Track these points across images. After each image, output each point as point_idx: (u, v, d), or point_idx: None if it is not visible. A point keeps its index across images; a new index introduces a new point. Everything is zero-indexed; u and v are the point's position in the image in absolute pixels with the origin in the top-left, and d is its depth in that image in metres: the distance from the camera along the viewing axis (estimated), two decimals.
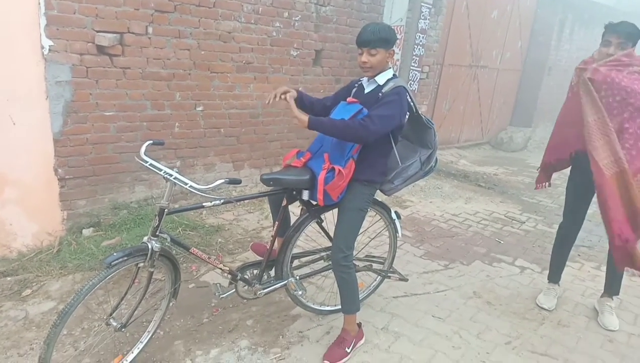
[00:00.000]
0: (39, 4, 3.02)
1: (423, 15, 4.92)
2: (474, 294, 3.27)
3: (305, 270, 2.85)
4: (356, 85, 2.52)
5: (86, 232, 3.53)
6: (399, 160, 2.46)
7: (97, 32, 3.30)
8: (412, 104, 2.38)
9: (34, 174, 3.34)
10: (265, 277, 2.61)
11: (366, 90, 2.41)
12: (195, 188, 2.03)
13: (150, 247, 2.09)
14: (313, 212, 2.54)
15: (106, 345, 2.42)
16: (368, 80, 2.41)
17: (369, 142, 2.27)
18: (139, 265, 2.14)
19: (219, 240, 3.68)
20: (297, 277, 2.64)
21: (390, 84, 2.30)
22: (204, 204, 2.24)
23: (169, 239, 2.20)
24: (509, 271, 3.70)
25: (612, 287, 3.07)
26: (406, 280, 3.00)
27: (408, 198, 5.15)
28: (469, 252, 3.99)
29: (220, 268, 2.45)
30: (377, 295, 3.07)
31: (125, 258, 2.03)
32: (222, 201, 2.29)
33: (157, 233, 2.12)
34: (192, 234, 3.65)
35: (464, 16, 7.03)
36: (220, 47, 4.04)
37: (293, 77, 4.70)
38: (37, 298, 2.84)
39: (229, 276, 2.50)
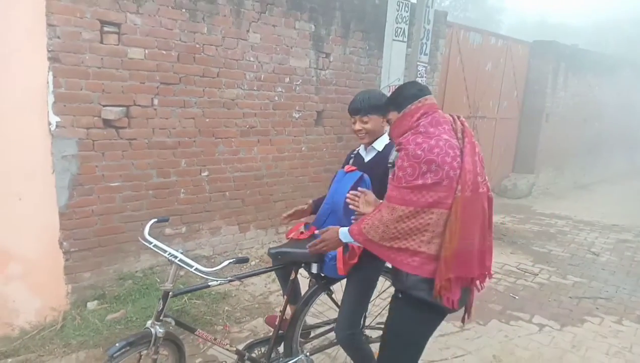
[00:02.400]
0: (48, 82, 3.12)
1: (419, 74, 5.05)
2: (494, 358, 3.13)
3: (318, 342, 2.73)
4: (352, 155, 2.50)
5: (90, 305, 3.45)
6: None
7: (104, 106, 3.38)
8: None
9: (38, 248, 3.31)
10: (274, 355, 2.47)
11: (366, 159, 2.38)
12: (201, 272, 1.96)
13: (154, 332, 2.01)
14: (322, 285, 2.47)
15: None
16: (366, 149, 2.39)
17: None
18: (142, 353, 2.03)
19: (226, 308, 3.59)
20: (307, 354, 2.51)
21: (394, 152, 2.26)
22: (209, 284, 2.15)
23: (173, 323, 2.12)
24: (528, 330, 3.56)
25: None
26: None
27: None
28: (485, 309, 3.87)
29: (227, 349, 2.32)
30: None
31: (128, 348, 1.95)
32: (228, 280, 2.22)
33: (161, 317, 2.04)
34: (199, 303, 3.55)
35: (459, 70, 7.23)
36: (224, 113, 4.12)
37: (296, 137, 4.76)
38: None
39: (236, 356, 2.38)
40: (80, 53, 3.19)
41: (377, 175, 2.25)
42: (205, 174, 4.10)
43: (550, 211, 7.75)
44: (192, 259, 2.07)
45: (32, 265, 3.28)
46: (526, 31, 14.54)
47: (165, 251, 2.10)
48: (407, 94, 1.89)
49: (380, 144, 2.33)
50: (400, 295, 1.89)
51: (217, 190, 4.22)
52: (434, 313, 1.87)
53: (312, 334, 2.71)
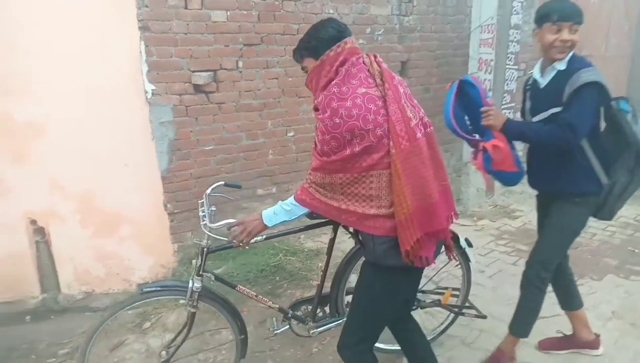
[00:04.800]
0: (140, 52, 3.25)
1: (515, 11, 4.57)
2: (613, 314, 2.85)
3: None
4: (528, 86, 2.22)
5: (195, 262, 3.67)
6: (602, 172, 2.06)
7: (193, 72, 3.46)
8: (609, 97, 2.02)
9: (146, 210, 3.56)
10: (321, 313, 2.39)
11: (543, 84, 2.09)
12: (205, 227, 2.04)
13: (190, 285, 2.06)
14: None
15: None
16: (542, 72, 2.10)
17: (574, 147, 1.96)
18: (180, 302, 2.11)
19: (319, 264, 3.63)
20: None
21: (584, 74, 1.91)
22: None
23: (213, 278, 2.15)
24: None
25: None
26: (484, 317, 2.52)
27: (517, 208, 4.74)
28: (598, 264, 3.52)
29: (269, 306, 2.29)
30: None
31: (160, 289, 2.08)
32: (263, 237, 2.16)
33: (200, 272, 2.08)
34: (293, 259, 3.63)
35: None
36: None
37: None
38: (156, 330, 2.97)
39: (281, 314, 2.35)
40: (167, 20, 3.28)
41: (555, 100, 1.97)
42: (291, 134, 4.10)
43: None
44: None
45: (141, 226, 3.54)
46: None
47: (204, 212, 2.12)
48: (324, 36, 1.61)
49: (563, 61, 2.01)
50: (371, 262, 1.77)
51: (303, 150, 4.22)
52: (409, 274, 1.76)
53: None
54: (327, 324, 2.35)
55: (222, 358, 2.67)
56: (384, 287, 1.74)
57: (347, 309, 2.29)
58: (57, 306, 3.42)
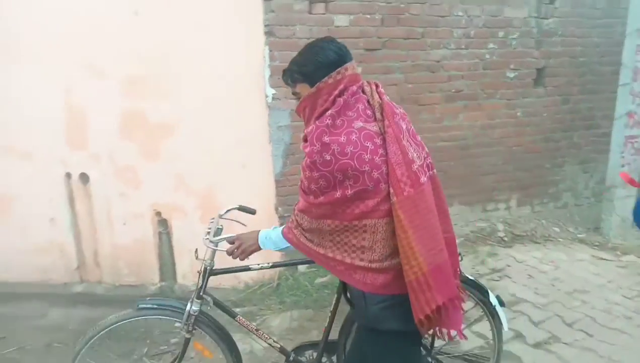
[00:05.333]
0: (264, 57, 3.31)
1: None
2: None
3: None
4: None
5: (301, 267, 3.65)
6: None
7: None
8: None
9: (258, 212, 3.61)
10: (326, 361, 2.05)
11: None
12: (206, 241, 1.85)
13: (188, 308, 1.86)
14: None
15: None
16: None
17: None
18: (176, 325, 1.90)
19: None
20: None
21: None
22: (250, 266, 1.93)
23: (211, 303, 1.92)
24: None
25: None
26: None
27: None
28: None
29: (270, 344, 2.03)
30: None
31: (156, 308, 1.89)
32: (270, 264, 1.98)
33: (201, 294, 1.89)
34: None
35: None
36: (428, 77, 3.83)
37: (509, 101, 4.17)
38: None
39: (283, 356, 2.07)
40: (291, 25, 3.30)
41: None
42: None
43: None
44: None
45: (253, 227, 3.60)
46: None
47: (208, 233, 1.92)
48: (323, 60, 1.36)
49: None
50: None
51: None
52: (414, 340, 1.45)
53: None
54: None
55: None
56: (381, 356, 1.43)
57: None
58: (173, 295, 3.63)
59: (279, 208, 3.58)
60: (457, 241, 3.99)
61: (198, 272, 1.91)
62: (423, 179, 1.33)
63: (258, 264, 1.93)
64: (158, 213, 3.59)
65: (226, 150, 3.46)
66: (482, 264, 3.70)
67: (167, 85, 3.38)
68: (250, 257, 1.73)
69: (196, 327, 1.91)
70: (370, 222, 1.33)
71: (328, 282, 3.43)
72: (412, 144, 1.37)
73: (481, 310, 2.09)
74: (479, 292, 2.04)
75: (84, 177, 3.51)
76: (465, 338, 1.45)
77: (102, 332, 1.86)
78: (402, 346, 1.43)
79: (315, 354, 2.04)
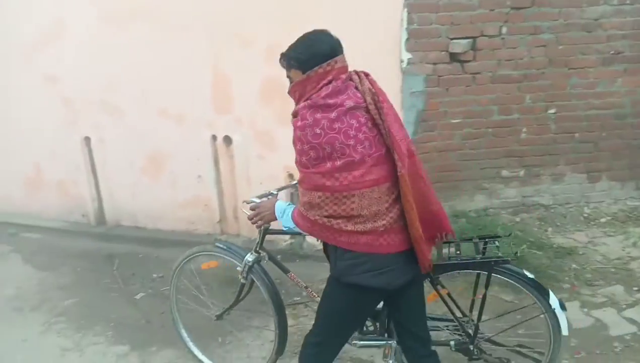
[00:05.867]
0: (402, 20, 3.22)
1: None
2: None
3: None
4: None
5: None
6: None
7: (451, 39, 3.29)
8: None
9: None
10: (371, 327, 2.08)
11: None
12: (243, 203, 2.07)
13: (245, 257, 2.14)
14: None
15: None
16: None
17: None
18: (237, 269, 2.19)
19: (573, 265, 3.13)
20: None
21: None
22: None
23: (267, 258, 2.17)
24: None
25: None
26: None
27: None
28: None
29: (315, 301, 2.05)
30: None
31: (226, 249, 2.23)
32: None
33: (257, 249, 2.14)
34: (539, 254, 3.22)
35: None
36: (582, 38, 3.43)
37: None
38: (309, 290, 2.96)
39: None
40: None
41: None
42: (552, 111, 3.57)
43: None
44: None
45: None
46: None
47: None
48: (317, 51, 1.51)
49: None
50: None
51: (565, 131, 3.64)
52: (369, 295, 1.64)
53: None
54: (371, 340, 2.07)
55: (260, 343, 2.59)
56: (343, 302, 1.67)
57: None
58: (301, 251, 3.84)
59: None
60: (603, 220, 3.63)
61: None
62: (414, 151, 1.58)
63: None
64: (290, 176, 3.78)
65: None
66: (633, 246, 3.32)
67: None
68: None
69: (251, 275, 2.18)
70: (358, 193, 1.46)
71: (450, 255, 3.36)
72: (397, 122, 1.56)
73: (540, 310, 1.96)
74: (538, 291, 1.92)
75: (228, 140, 3.81)
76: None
77: (188, 258, 2.34)
78: (358, 298, 1.65)
79: None
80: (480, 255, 1.85)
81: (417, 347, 1.80)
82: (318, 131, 1.44)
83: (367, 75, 1.60)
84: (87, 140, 4.24)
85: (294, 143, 1.53)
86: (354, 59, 3.32)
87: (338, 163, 1.44)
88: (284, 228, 1.78)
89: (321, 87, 1.50)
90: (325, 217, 1.52)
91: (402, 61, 3.31)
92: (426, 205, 1.61)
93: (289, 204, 1.78)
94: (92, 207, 4.40)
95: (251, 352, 2.65)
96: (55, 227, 4.50)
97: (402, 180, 1.46)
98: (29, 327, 3.07)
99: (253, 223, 1.91)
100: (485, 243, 1.87)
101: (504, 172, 3.68)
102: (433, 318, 2.01)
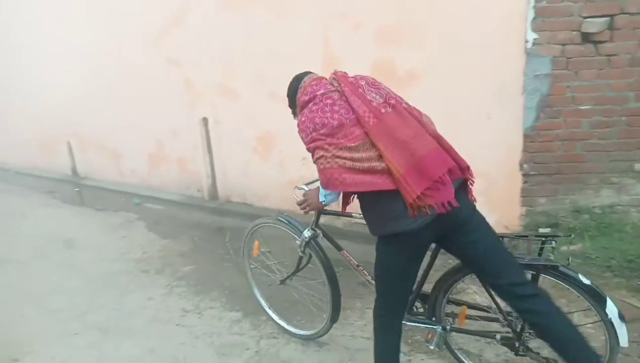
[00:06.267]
0: None
1: None
2: None
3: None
4: None
5: (542, 231, 3.38)
6: None
7: (585, 18, 3.00)
8: None
9: (498, 166, 3.45)
10: (421, 309, 2.23)
11: None
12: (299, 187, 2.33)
13: (303, 234, 2.40)
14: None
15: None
16: None
17: None
18: (296, 242, 2.46)
19: None
20: (448, 329, 2.15)
21: None
22: (352, 214, 2.22)
23: (321, 235, 2.42)
24: None
25: None
26: None
27: None
28: None
29: (367, 281, 2.32)
30: None
31: (287, 223, 2.50)
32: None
33: (313, 227, 2.40)
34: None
35: None
36: None
37: None
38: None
39: None
40: None
41: None
42: None
43: None
44: None
45: (490, 181, 3.46)
46: None
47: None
48: (292, 90, 2.07)
49: None
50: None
51: None
52: (403, 242, 1.80)
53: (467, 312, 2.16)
54: (418, 322, 2.22)
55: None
56: (386, 257, 1.89)
57: (445, 320, 2.18)
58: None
59: (524, 165, 3.34)
60: None
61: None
62: (383, 110, 1.81)
63: (359, 214, 2.15)
64: None
65: (470, 100, 3.35)
66: None
67: (416, 35, 3.39)
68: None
69: (308, 249, 2.44)
70: (348, 145, 1.80)
71: (578, 251, 3.11)
72: (372, 90, 1.87)
73: (597, 318, 1.86)
74: (594, 299, 1.82)
75: None
76: (457, 204, 1.70)
77: (255, 227, 2.68)
78: (388, 248, 1.88)
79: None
80: (530, 256, 1.86)
81: (513, 290, 1.80)
82: (303, 118, 1.91)
83: (334, 72, 1.99)
84: (205, 120, 4.55)
85: (300, 136, 1.95)
86: (476, 42, 3.19)
87: (322, 131, 1.83)
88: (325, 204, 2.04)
89: (307, 102, 1.95)
90: (336, 160, 1.83)
91: (526, 41, 3.09)
92: (426, 144, 1.78)
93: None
94: (206, 183, 4.73)
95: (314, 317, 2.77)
96: (174, 200, 4.93)
97: (369, 133, 1.80)
98: (154, 288, 3.40)
99: (302, 209, 2.19)
100: (543, 242, 1.85)
101: (637, 166, 3.31)
102: (480, 309, 2.12)
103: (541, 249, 1.84)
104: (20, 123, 6.29)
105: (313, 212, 2.33)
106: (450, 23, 3.28)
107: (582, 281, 1.82)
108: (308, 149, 1.93)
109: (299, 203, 2.18)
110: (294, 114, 2.13)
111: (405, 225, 1.73)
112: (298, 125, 1.95)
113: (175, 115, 4.75)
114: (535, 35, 3.06)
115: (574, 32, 3.04)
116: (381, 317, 1.99)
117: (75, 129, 5.73)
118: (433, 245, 1.99)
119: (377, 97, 1.86)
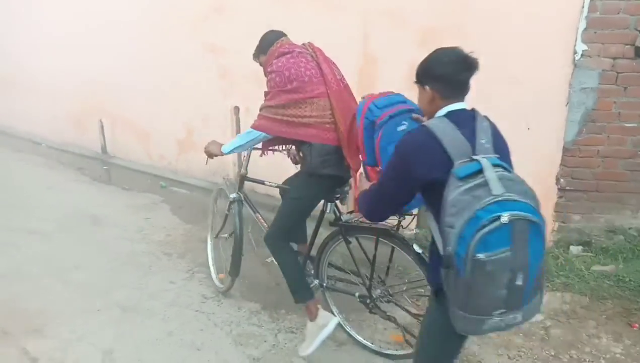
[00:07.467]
0: (583, 6, 2.90)
1: None
2: None
3: (342, 285, 2.70)
4: None
5: (574, 249, 3.28)
6: None
7: None
8: None
9: (534, 179, 3.32)
10: (311, 270, 2.71)
11: None
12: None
13: (230, 194, 2.98)
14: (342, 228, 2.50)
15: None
16: None
17: None
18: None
19: None
20: (324, 285, 2.68)
21: None
22: (264, 181, 2.89)
23: (243, 198, 3.01)
24: None
25: None
26: None
27: None
28: None
29: (264, 227, 2.86)
30: None
31: (227, 187, 3.09)
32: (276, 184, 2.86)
33: (238, 190, 3.00)
34: None
35: None
36: None
37: None
38: None
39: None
40: None
41: None
42: None
43: None
44: None
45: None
46: None
47: None
48: (268, 41, 2.45)
49: None
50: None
51: None
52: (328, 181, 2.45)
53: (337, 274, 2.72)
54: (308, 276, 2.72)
55: None
56: (308, 190, 2.47)
57: (324, 277, 2.67)
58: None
59: (561, 180, 3.24)
60: None
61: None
62: (342, 85, 2.42)
63: (270, 182, 2.84)
64: None
65: (509, 108, 3.24)
66: None
67: (459, 39, 3.29)
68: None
69: (232, 208, 3.01)
70: (310, 100, 2.30)
71: (610, 272, 3.01)
72: (336, 69, 2.43)
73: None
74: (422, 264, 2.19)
75: None
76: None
77: (216, 192, 3.35)
78: (321, 184, 2.45)
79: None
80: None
81: None
82: (279, 65, 2.30)
83: (310, 44, 2.46)
84: (236, 109, 4.54)
85: (268, 82, 2.39)
86: (519, 50, 3.08)
87: (294, 84, 2.28)
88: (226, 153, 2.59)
89: (278, 55, 2.37)
90: (287, 116, 2.32)
91: (575, 53, 2.98)
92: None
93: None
94: (232, 171, 4.73)
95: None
96: (199, 186, 4.94)
97: (331, 96, 2.32)
98: (176, 272, 3.42)
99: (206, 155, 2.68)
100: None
101: None
102: (346, 271, 2.64)
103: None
104: (54, 97, 6.39)
105: (238, 178, 2.99)
106: (495, 30, 3.17)
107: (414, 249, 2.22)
108: (267, 91, 2.39)
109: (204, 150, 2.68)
110: (260, 63, 2.53)
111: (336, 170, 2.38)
112: (271, 70, 2.33)
113: (207, 102, 4.76)
114: (585, 46, 2.95)
115: (627, 46, 2.92)
116: (278, 240, 2.58)
117: (108, 108, 5.79)
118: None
119: (338, 75, 2.42)
